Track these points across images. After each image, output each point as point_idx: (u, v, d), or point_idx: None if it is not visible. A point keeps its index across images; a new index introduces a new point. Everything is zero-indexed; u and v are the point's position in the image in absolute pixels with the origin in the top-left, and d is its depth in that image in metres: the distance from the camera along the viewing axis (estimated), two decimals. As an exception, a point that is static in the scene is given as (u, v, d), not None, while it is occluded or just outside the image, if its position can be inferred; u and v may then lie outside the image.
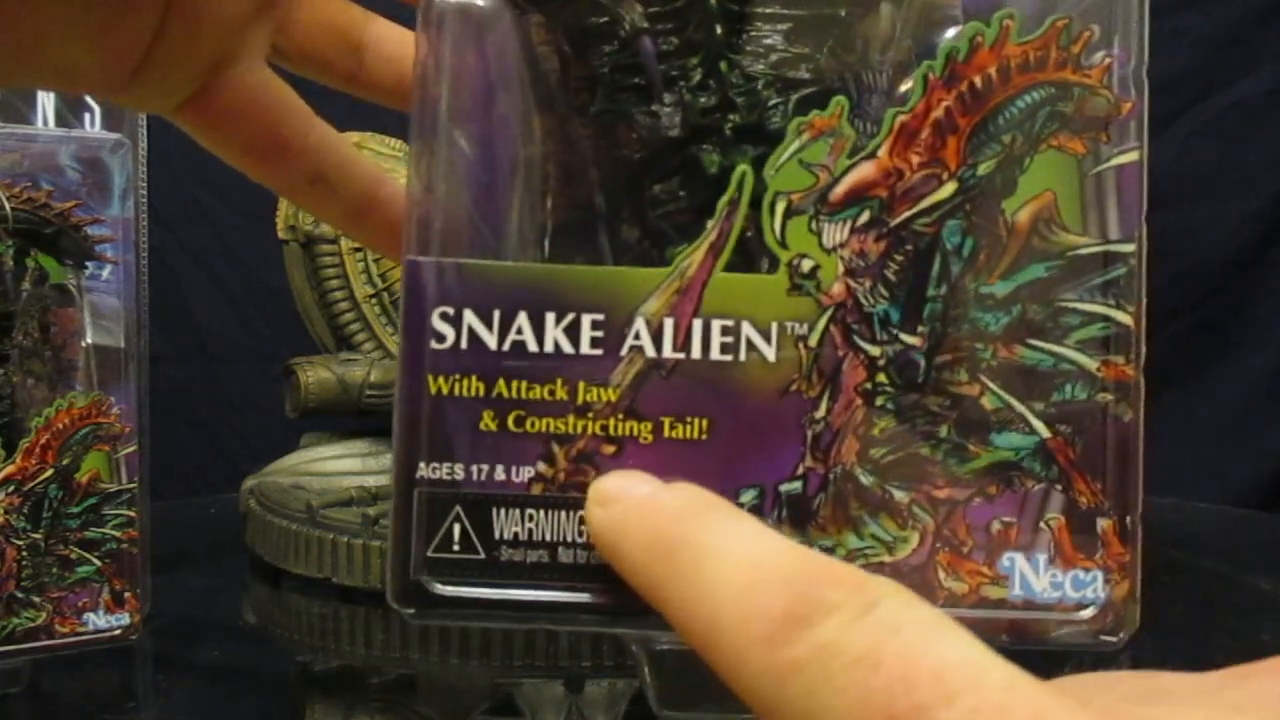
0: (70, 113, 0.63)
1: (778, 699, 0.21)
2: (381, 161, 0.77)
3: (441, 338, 0.27)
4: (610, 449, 0.27)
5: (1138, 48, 0.28)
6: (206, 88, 0.31)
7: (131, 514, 0.56)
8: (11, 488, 0.53)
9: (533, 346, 0.27)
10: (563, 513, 0.27)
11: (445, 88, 0.28)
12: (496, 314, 0.27)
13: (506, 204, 0.29)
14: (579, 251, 0.29)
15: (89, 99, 0.63)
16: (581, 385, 0.27)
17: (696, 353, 0.27)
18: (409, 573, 0.27)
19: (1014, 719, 0.19)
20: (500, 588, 0.27)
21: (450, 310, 0.27)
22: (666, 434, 0.27)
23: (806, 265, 0.27)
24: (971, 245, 0.27)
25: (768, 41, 0.29)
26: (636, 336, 0.27)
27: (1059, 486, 0.27)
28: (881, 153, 0.27)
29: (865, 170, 0.27)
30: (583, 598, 0.27)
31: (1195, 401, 1.14)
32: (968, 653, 0.20)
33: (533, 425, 0.27)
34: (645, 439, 0.27)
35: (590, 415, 0.27)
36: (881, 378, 0.27)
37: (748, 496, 0.27)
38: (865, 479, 0.27)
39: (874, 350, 0.27)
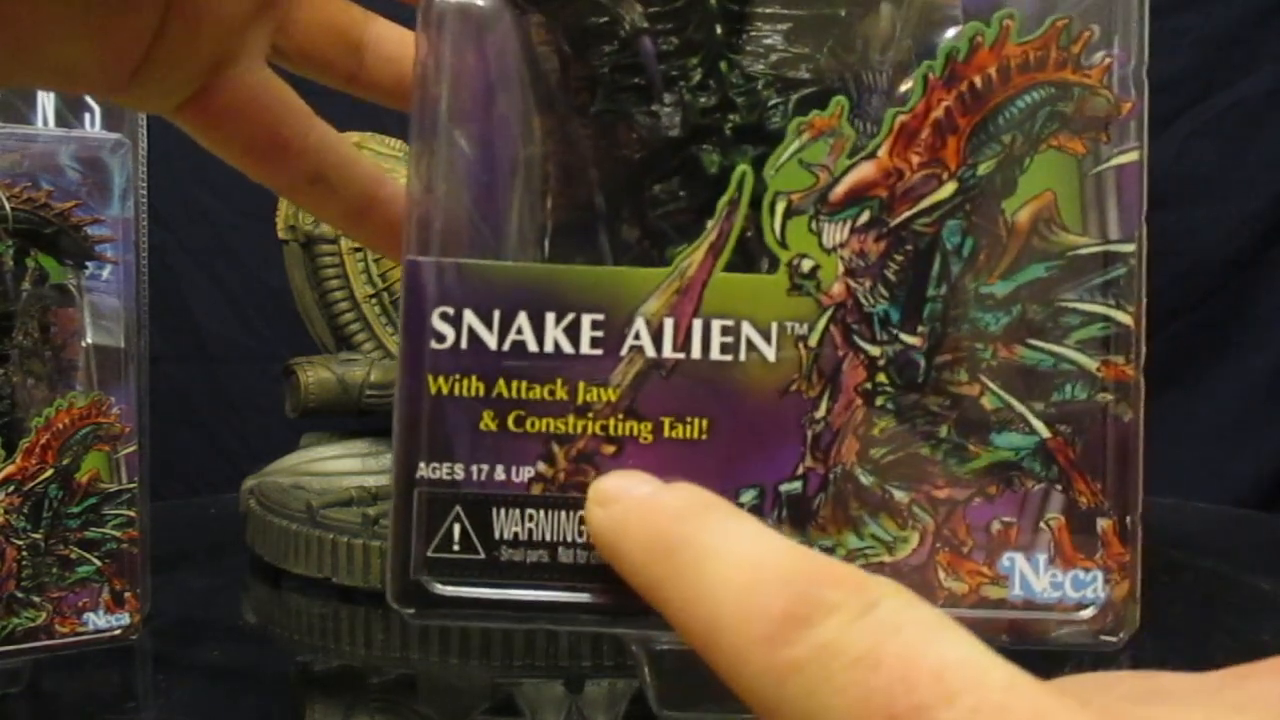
0: (70, 113, 0.63)
1: (778, 699, 0.21)
2: (381, 162, 0.77)
3: (441, 338, 0.27)
4: (610, 449, 0.27)
5: (1138, 48, 0.28)
6: (206, 88, 0.31)
7: (131, 514, 0.56)
8: (11, 488, 0.53)
9: (533, 346, 0.27)
10: (563, 513, 0.27)
11: (445, 87, 0.28)
12: (496, 314, 0.27)
13: (506, 204, 0.29)
14: (579, 251, 0.29)
15: (89, 99, 0.63)
16: (581, 385, 0.27)
17: (696, 353, 0.27)
18: (409, 573, 0.27)
19: (1014, 718, 0.19)
20: (500, 588, 0.27)
21: (450, 310, 0.27)
22: (666, 434, 0.27)
23: (806, 265, 0.27)
24: (971, 245, 0.27)
25: (768, 41, 0.29)
26: (636, 336, 0.27)
27: (1059, 486, 0.27)
28: (881, 153, 0.27)
29: (865, 170, 0.27)
30: (583, 598, 0.27)
31: (1195, 401, 1.14)
32: (968, 653, 0.20)
33: (533, 425, 0.27)
34: (645, 439, 0.27)
35: (590, 415, 0.27)
36: (881, 378, 0.27)
37: (748, 496, 0.27)
38: (865, 479, 0.27)
39: (874, 350, 0.27)
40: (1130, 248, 0.27)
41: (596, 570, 0.26)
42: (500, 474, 0.27)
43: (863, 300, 0.27)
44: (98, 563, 0.55)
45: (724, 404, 0.27)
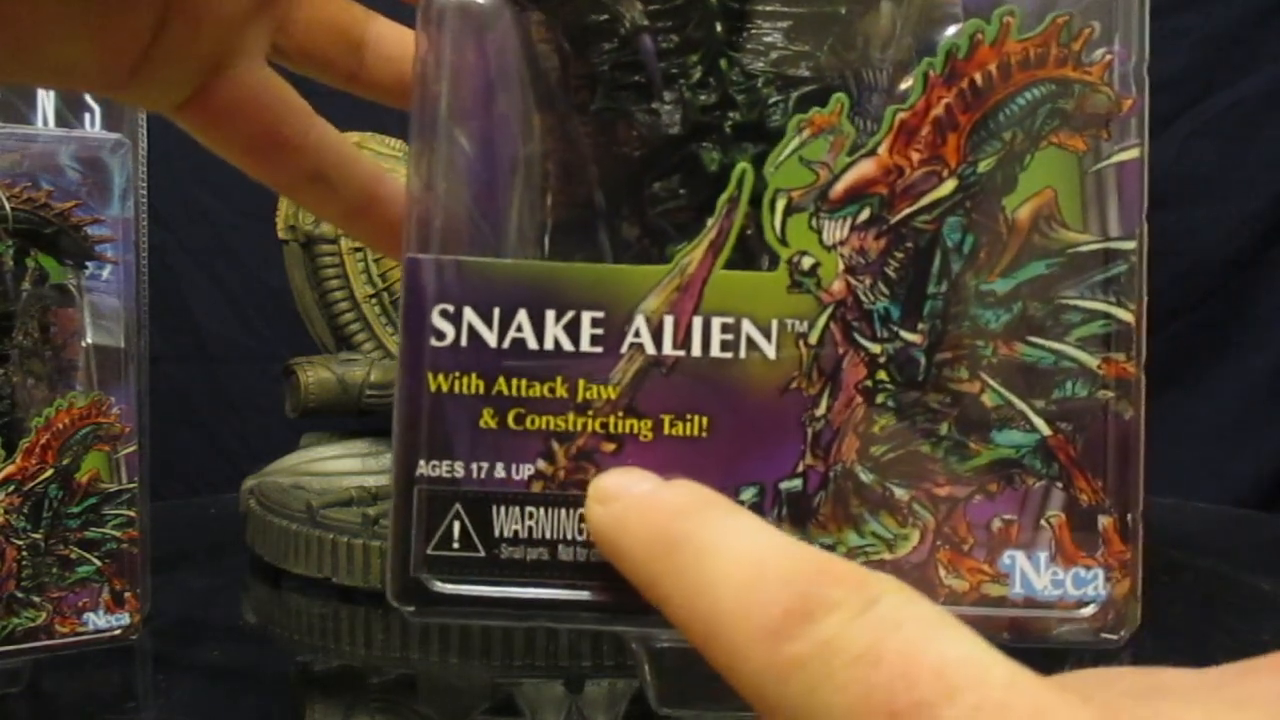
0: (70, 113, 0.63)
1: (778, 696, 0.20)
2: (382, 161, 0.77)
3: (441, 335, 0.27)
4: (610, 447, 0.27)
5: (1138, 45, 0.28)
6: (207, 86, 0.31)
7: (131, 514, 0.56)
8: (11, 488, 0.53)
9: (533, 344, 0.27)
10: (563, 510, 0.27)
11: (445, 86, 0.28)
12: (496, 312, 0.27)
13: (506, 202, 0.29)
14: (579, 249, 0.29)
15: (89, 99, 0.63)
16: (581, 383, 0.27)
17: (697, 350, 0.27)
18: (409, 570, 0.27)
19: (1015, 715, 0.19)
20: (500, 585, 0.27)
21: (450, 308, 0.27)
22: (666, 432, 0.27)
23: (807, 263, 0.27)
24: (972, 242, 0.27)
25: (768, 39, 0.29)
26: (636, 334, 0.27)
27: (1060, 484, 0.27)
28: (882, 150, 0.27)
29: (865, 167, 0.27)
30: (583, 595, 0.27)
31: (1195, 401, 1.14)
32: (969, 649, 0.20)
33: (533, 423, 0.27)
34: (645, 437, 0.27)
35: (590, 413, 0.27)
36: (882, 375, 0.27)
37: (748, 494, 0.27)
38: (865, 477, 0.27)
39: (874, 348, 0.27)
40: (1131, 245, 0.27)
41: (596, 568, 0.26)
42: (500, 472, 0.27)
43: (863, 298, 0.27)
44: (98, 563, 0.55)
45: (724, 402, 0.27)
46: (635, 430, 0.27)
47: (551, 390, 0.27)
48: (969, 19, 0.27)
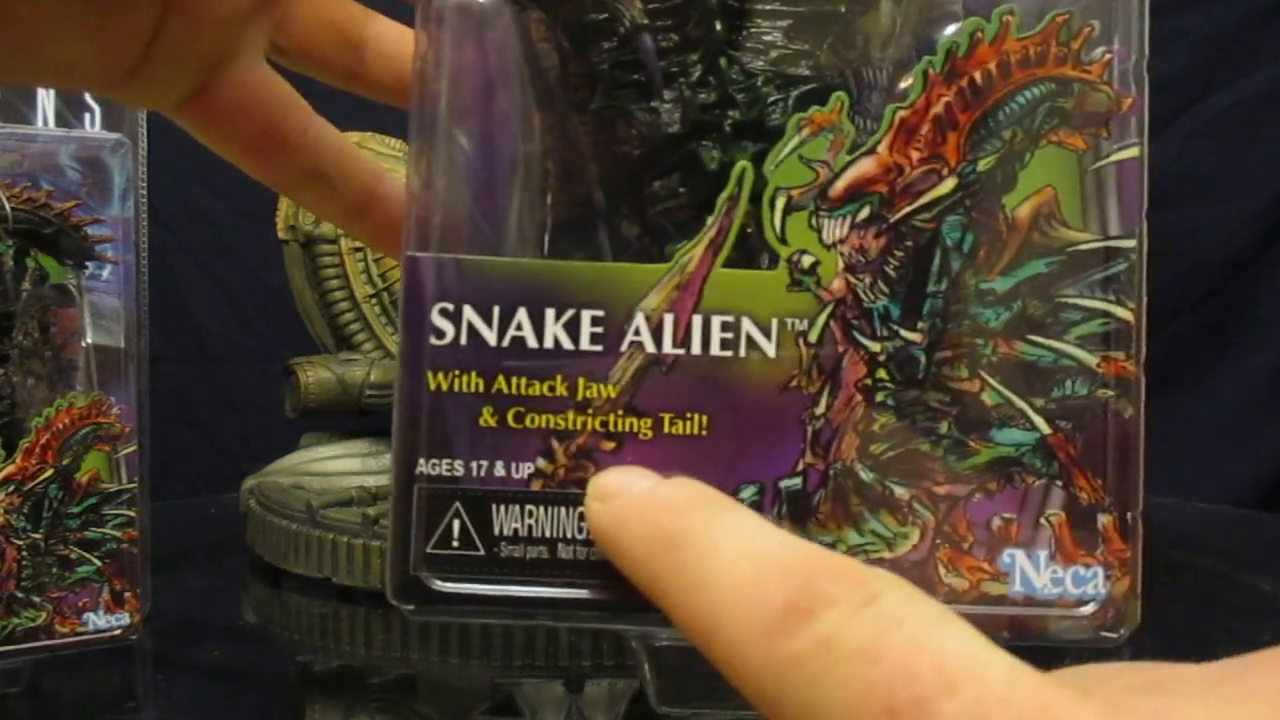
0: (70, 113, 0.63)
1: (778, 692, 0.20)
2: (382, 161, 0.77)
3: (441, 334, 0.27)
4: (610, 445, 0.27)
5: (1138, 44, 0.28)
6: (206, 85, 0.31)
7: (131, 514, 0.56)
8: (11, 488, 0.53)
9: (532, 343, 0.27)
10: (562, 509, 0.27)
11: (445, 84, 0.28)
12: (496, 310, 0.27)
13: (506, 200, 0.29)
14: (579, 248, 0.29)
15: (89, 98, 0.63)
16: (581, 381, 0.27)
17: (696, 349, 0.27)
18: (408, 569, 0.27)
19: (1015, 710, 0.19)
20: (500, 584, 0.27)
21: (450, 306, 0.27)
22: (666, 430, 0.27)
23: (806, 261, 0.27)
24: (972, 241, 0.27)
25: (768, 38, 0.29)
26: (636, 333, 0.27)
27: (1059, 482, 0.27)
28: (881, 149, 0.27)
29: (865, 166, 0.27)
30: (582, 594, 0.27)
31: (1195, 401, 1.14)
32: (969, 645, 0.20)
33: (532, 421, 0.27)
34: (645, 435, 0.27)
35: (590, 411, 0.27)
36: (882, 374, 0.27)
37: (747, 493, 0.27)
38: (865, 475, 0.27)
39: (874, 346, 0.27)
40: (1131, 243, 0.27)
41: (596, 566, 0.26)
42: (500, 470, 0.27)
43: (863, 296, 0.27)
44: (98, 563, 0.55)
45: (724, 400, 0.27)
46: (635, 429, 0.27)
47: (551, 389, 0.27)
48: (969, 17, 0.27)
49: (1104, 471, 0.27)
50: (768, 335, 0.27)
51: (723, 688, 0.22)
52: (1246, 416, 1.15)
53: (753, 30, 0.29)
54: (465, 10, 0.28)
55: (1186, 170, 1.12)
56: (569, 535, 0.27)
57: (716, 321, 0.27)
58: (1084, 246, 0.27)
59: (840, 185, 0.27)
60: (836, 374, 0.27)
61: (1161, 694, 0.20)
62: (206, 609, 0.72)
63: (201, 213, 1.13)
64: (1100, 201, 0.27)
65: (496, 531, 0.27)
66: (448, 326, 0.27)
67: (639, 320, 0.27)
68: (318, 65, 0.33)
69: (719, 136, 0.29)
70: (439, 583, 0.27)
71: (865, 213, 0.27)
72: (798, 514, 0.27)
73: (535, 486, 0.27)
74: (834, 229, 0.27)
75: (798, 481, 0.27)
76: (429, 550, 0.27)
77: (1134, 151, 0.27)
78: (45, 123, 0.62)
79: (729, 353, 0.27)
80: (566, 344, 0.27)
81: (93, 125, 0.63)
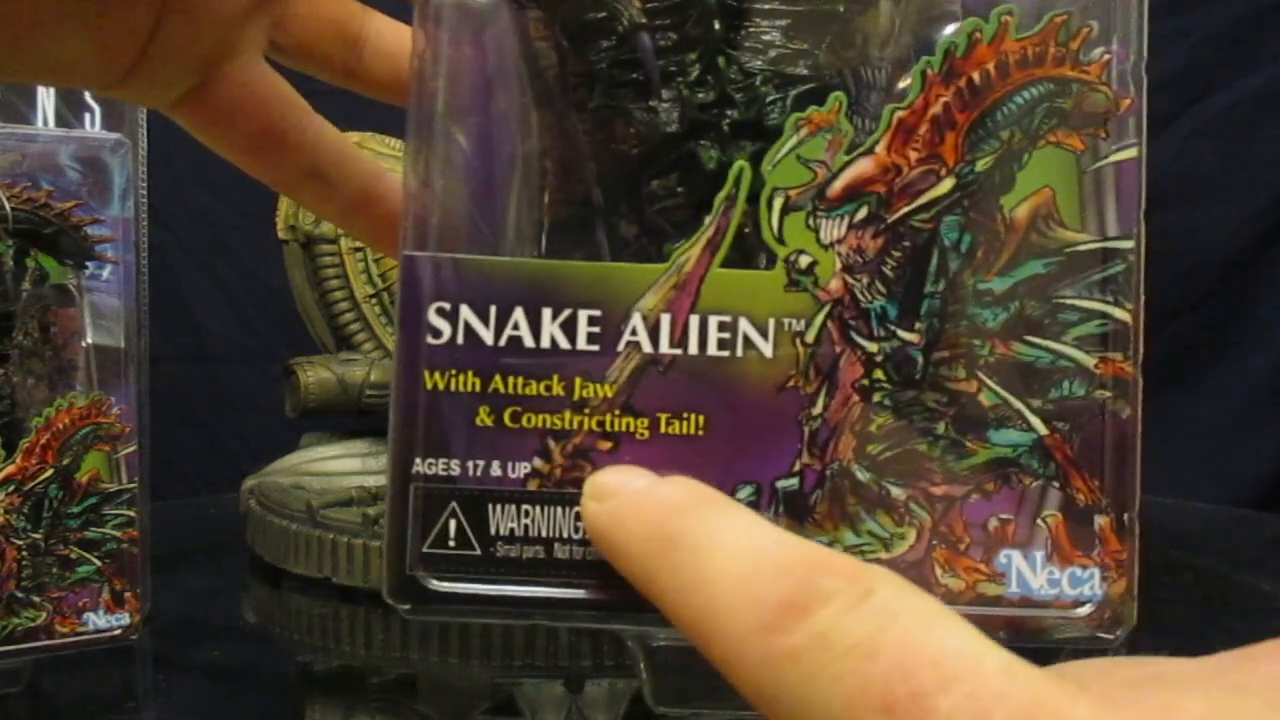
0: (70, 112, 0.63)
1: (775, 688, 0.20)
2: (382, 161, 0.77)
3: (438, 333, 0.27)
4: (607, 445, 0.27)
5: (1136, 44, 0.28)
6: (204, 83, 0.31)
7: (131, 514, 0.56)
8: (11, 488, 0.53)
9: (529, 342, 0.27)
10: (559, 508, 0.27)
11: (443, 83, 0.28)
12: (493, 309, 0.27)
13: (504, 199, 0.29)
14: (576, 247, 0.29)
15: (89, 98, 0.63)
16: (578, 381, 0.27)
17: (693, 349, 0.27)
18: (405, 568, 0.27)
19: (1012, 704, 0.19)
20: (496, 583, 0.27)
21: (447, 305, 0.27)
22: (663, 430, 0.27)
23: (804, 261, 0.27)
24: (969, 241, 0.27)
25: (766, 37, 0.29)
26: (633, 332, 0.27)
27: (1056, 483, 0.27)
28: (879, 149, 0.27)
29: (863, 166, 0.27)
30: (579, 593, 0.27)
31: (1195, 401, 1.14)
32: (965, 640, 0.20)
33: (529, 421, 0.27)
34: (642, 435, 0.27)
35: (587, 411, 0.27)
36: (879, 374, 0.27)
37: (744, 493, 0.27)
38: (862, 475, 0.27)
39: (871, 346, 0.27)
40: (1129, 244, 0.27)
41: (593, 566, 0.26)
42: (496, 470, 0.27)
43: (860, 296, 0.27)
44: (98, 563, 0.55)
45: (721, 400, 0.27)
46: (632, 429, 0.27)
47: (548, 388, 0.27)
48: (967, 17, 0.27)
49: (1101, 472, 0.27)
50: (765, 335, 0.27)
51: (720, 687, 0.22)
52: (1246, 416, 1.15)
53: (751, 29, 0.29)
54: (463, 8, 0.28)
55: (1186, 170, 1.12)
56: (565, 535, 0.27)
57: (714, 321, 0.27)
58: (1082, 247, 0.27)
59: (838, 185, 0.27)
60: (834, 374, 0.27)
61: (1159, 688, 0.20)
62: (206, 609, 0.72)
63: (201, 213, 1.13)
64: (1098, 202, 0.27)
65: (493, 531, 0.27)
66: (444, 326, 0.27)
67: (636, 320, 0.27)
68: (316, 63, 0.33)
69: (717, 136, 0.29)
70: (435, 582, 0.27)
71: (863, 213, 0.27)
72: (794, 514, 0.27)
73: (532, 486, 0.27)
74: (831, 229, 0.27)
75: (794, 482, 0.27)
76: (425, 550, 0.27)
77: (1132, 152, 0.27)
78: (45, 123, 0.62)
79: (726, 353, 0.27)
80: (563, 343, 0.27)
81: (93, 125, 0.63)
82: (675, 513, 0.23)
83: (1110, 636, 0.27)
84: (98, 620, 0.55)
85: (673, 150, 0.29)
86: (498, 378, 0.27)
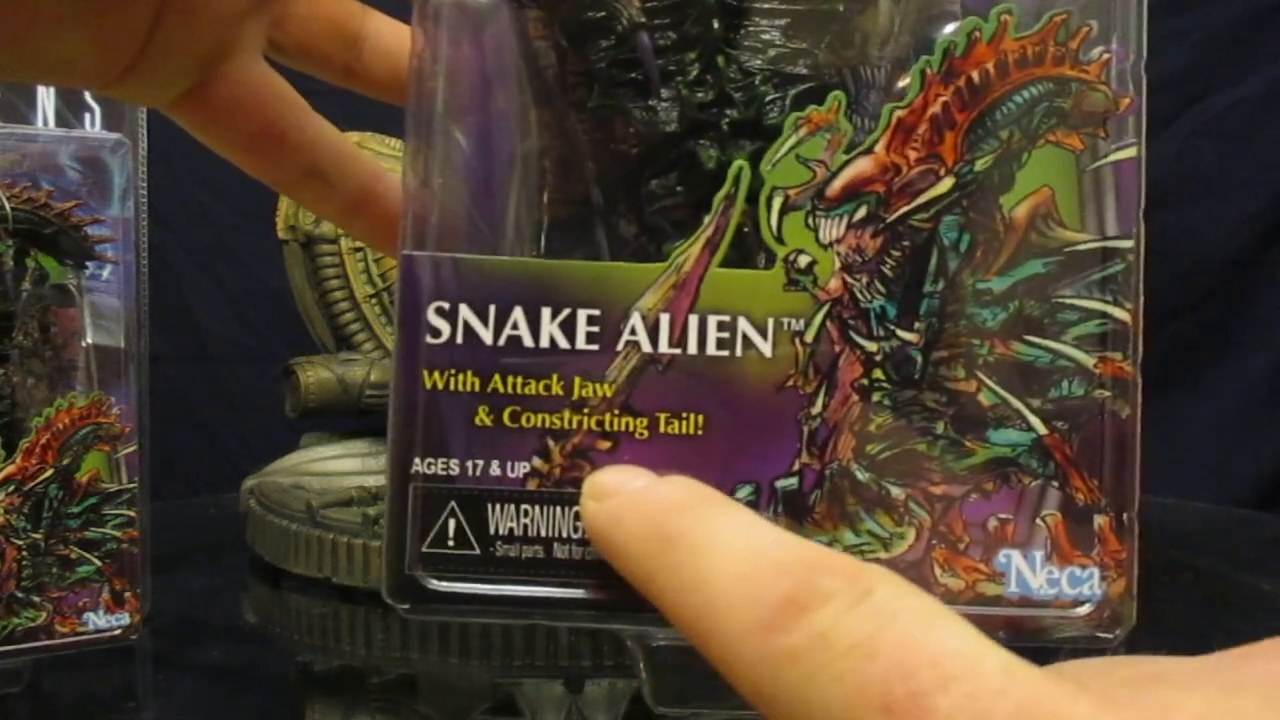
0: (70, 112, 0.63)
1: (774, 688, 0.20)
2: (382, 161, 0.77)
3: (437, 332, 0.27)
4: (606, 444, 0.27)
5: (1136, 44, 0.28)
6: (203, 82, 0.31)
7: (131, 514, 0.56)
8: (11, 488, 0.53)
9: (528, 342, 0.27)
10: (558, 508, 0.27)
11: (442, 82, 0.28)
12: (492, 309, 0.27)
13: (503, 199, 0.29)
14: (576, 247, 0.29)
15: (89, 98, 0.63)
16: (577, 381, 0.27)
17: (693, 348, 0.27)
18: (404, 568, 0.27)
19: (1011, 703, 0.19)
20: (495, 583, 0.27)
21: (446, 305, 0.27)
22: (662, 430, 0.27)
23: (803, 261, 0.27)
24: (969, 241, 0.27)
25: (765, 37, 0.29)
26: (633, 332, 0.27)
27: (1056, 483, 0.27)
28: (879, 148, 0.27)
29: (862, 166, 0.27)
30: (578, 593, 0.27)
31: (1195, 401, 1.14)
32: (964, 640, 0.20)
33: (528, 420, 0.27)
34: (641, 434, 0.27)
35: (586, 411, 0.27)
36: (878, 374, 0.27)
37: (743, 492, 0.27)
38: (861, 475, 0.27)
39: (871, 346, 0.27)
40: (1128, 244, 0.27)
41: (592, 565, 0.26)
42: (495, 469, 0.27)
43: (859, 296, 0.27)
44: (98, 563, 0.55)
45: (720, 400, 0.27)
46: (631, 428, 0.27)
47: (547, 388, 0.27)
48: (967, 17, 0.27)
49: (1100, 472, 0.27)
50: (764, 335, 0.27)
51: (720, 687, 0.22)
52: (1246, 416, 1.15)
53: (750, 29, 0.29)
54: (462, 8, 0.28)
55: (1186, 170, 1.12)
56: (564, 535, 0.27)
57: (713, 321, 0.27)
58: (1081, 247, 0.27)
59: (837, 185, 0.27)
60: (833, 374, 0.27)
61: (1158, 686, 0.20)
62: (206, 609, 0.72)
63: (201, 213, 1.13)
64: (1098, 202, 0.27)
65: (492, 531, 0.27)
66: (444, 325, 0.27)
67: (635, 320, 0.27)
68: (315, 62, 0.33)
69: (716, 135, 0.29)
70: (434, 582, 0.27)
71: (862, 212, 0.27)
72: (794, 514, 0.27)
73: (531, 486, 0.27)
74: (831, 228, 0.27)
75: (794, 481, 0.27)
76: (424, 549, 0.27)
77: (1131, 152, 0.27)
78: (45, 123, 0.62)
79: (725, 352, 0.27)
80: (563, 343, 0.27)
81: (93, 125, 0.63)
82: (674, 512, 0.23)
83: (1109, 636, 0.27)
84: (98, 620, 0.55)
85: (672, 150, 0.29)
86: (497, 377, 0.27)
